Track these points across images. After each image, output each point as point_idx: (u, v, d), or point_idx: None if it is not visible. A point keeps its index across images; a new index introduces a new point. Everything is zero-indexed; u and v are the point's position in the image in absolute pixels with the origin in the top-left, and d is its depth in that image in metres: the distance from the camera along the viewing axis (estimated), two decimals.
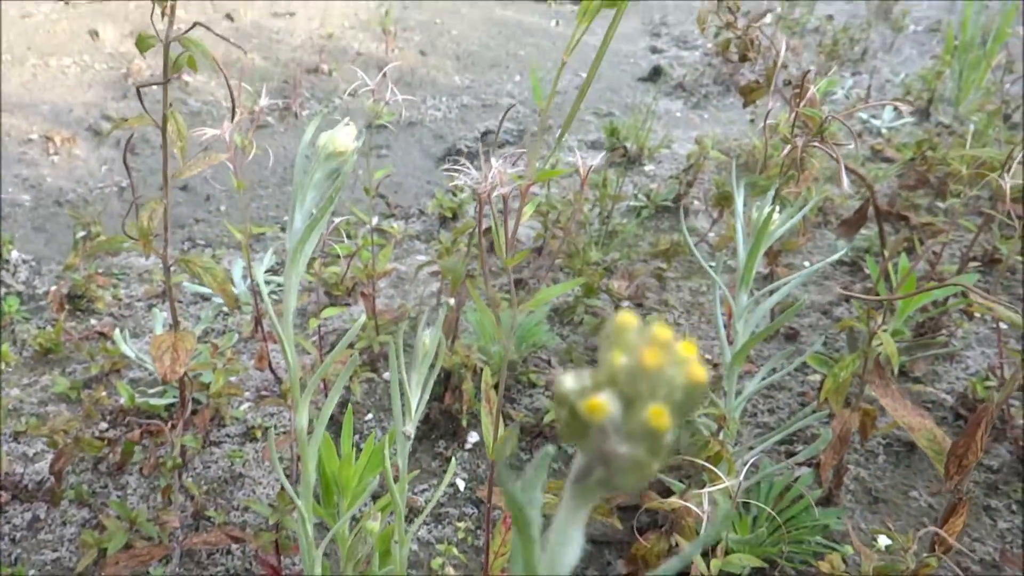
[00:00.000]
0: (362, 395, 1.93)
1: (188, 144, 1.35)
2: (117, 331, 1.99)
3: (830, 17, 4.76)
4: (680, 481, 1.41)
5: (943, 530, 1.21)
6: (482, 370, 1.32)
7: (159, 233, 1.38)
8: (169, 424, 1.54)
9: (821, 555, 1.34)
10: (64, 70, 3.77)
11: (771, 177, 1.70)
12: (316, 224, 0.84)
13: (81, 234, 2.42)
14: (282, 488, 1.49)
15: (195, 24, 1.30)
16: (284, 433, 1.81)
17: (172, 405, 1.82)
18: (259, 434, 1.81)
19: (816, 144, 1.56)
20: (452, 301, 1.88)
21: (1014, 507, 1.61)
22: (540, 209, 2.33)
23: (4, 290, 2.32)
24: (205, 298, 2.33)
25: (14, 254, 2.48)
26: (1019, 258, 1.75)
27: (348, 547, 1.11)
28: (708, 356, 1.98)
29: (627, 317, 0.34)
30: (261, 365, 1.84)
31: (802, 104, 1.58)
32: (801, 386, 1.96)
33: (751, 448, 1.48)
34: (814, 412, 1.44)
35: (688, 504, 1.20)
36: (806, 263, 2.47)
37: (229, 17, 4.45)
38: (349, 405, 1.35)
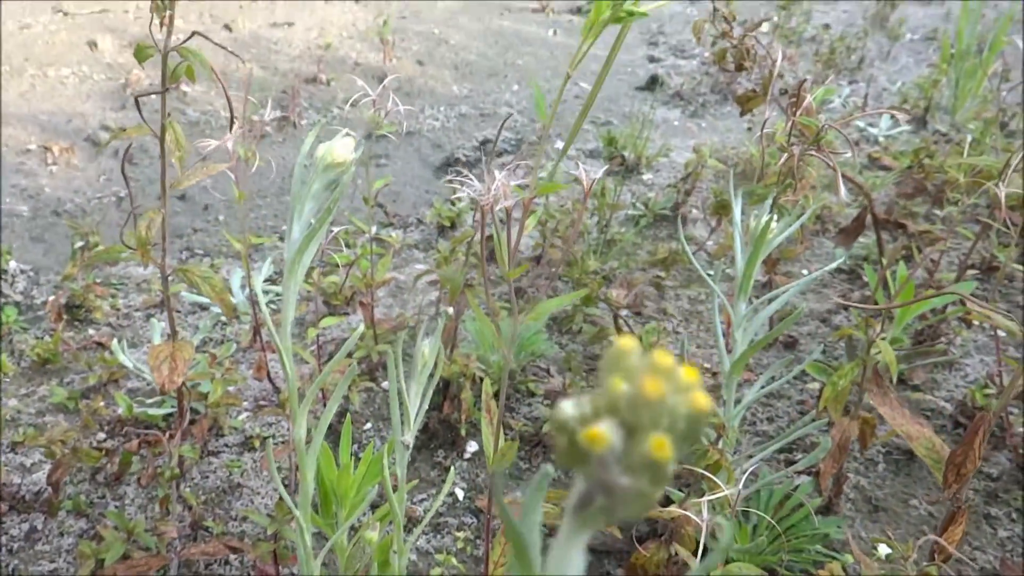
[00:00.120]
0: (361, 404, 1.93)
1: (186, 154, 1.35)
2: (115, 341, 1.99)
3: (826, 26, 4.78)
4: (679, 490, 1.41)
5: (943, 538, 1.20)
6: (481, 379, 1.32)
7: (157, 243, 1.38)
8: (167, 434, 1.54)
9: (821, 564, 1.34)
10: (62, 81, 3.77)
11: (769, 186, 1.70)
12: (314, 234, 0.83)
13: (79, 244, 2.42)
14: (280, 498, 1.49)
15: (193, 34, 1.30)
16: (282, 443, 1.81)
17: (170, 415, 1.82)
18: (257, 444, 1.81)
19: (813, 152, 1.56)
20: (451, 310, 1.88)
21: (1014, 515, 1.61)
22: (539, 219, 2.33)
23: (2, 300, 2.32)
24: (203, 308, 2.33)
25: (12, 264, 2.48)
26: (1017, 266, 1.76)
27: (347, 557, 1.10)
28: (707, 364, 1.98)
29: (627, 342, 0.33)
30: (259, 375, 1.84)
31: (799, 113, 1.59)
32: (800, 394, 1.96)
33: (750, 457, 1.48)
34: (813, 420, 1.43)
35: (687, 513, 1.19)
36: (804, 271, 2.48)
37: (227, 28, 4.46)
38: (348, 415, 1.35)
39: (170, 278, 1.45)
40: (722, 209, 2.33)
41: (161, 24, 1.26)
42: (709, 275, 1.48)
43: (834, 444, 1.44)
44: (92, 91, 3.72)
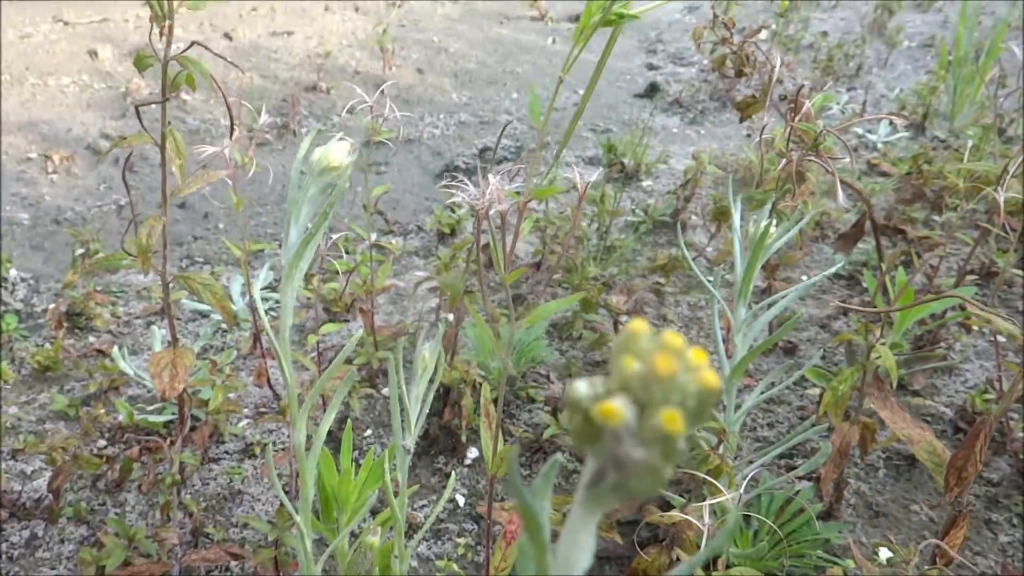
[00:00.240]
0: (361, 411, 1.93)
1: (187, 162, 1.36)
2: (116, 348, 1.99)
3: (824, 33, 4.79)
4: (680, 495, 1.41)
5: (944, 543, 1.21)
6: (481, 385, 1.32)
7: (158, 250, 1.39)
8: (168, 441, 1.54)
9: (822, 569, 1.34)
10: (63, 90, 3.78)
11: (768, 191, 1.70)
12: (311, 238, 0.84)
13: (80, 252, 2.43)
14: (281, 504, 1.49)
15: (193, 43, 1.31)
16: (283, 449, 1.81)
17: (171, 422, 1.82)
18: (258, 450, 1.81)
19: (812, 158, 1.57)
20: (451, 317, 1.88)
21: (1015, 520, 1.61)
22: (538, 225, 2.34)
23: (3, 308, 2.32)
24: (203, 315, 2.33)
25: (12, 272, 2.48)
26: (1016, 271, 1.76)
27: (348, 562, 1.10)
28: None
29: (639, 324, 0.35)
30: (260, 382, 1.84)
31: (798, 119, 1.59)
32: (800, 400, 1.96)
33: (751, 462, 1.48)
34: (813, 426, 1.43)
35: (689, 518, 1.19)
36: (804, 277, 2.48)
37: (227, 37, 4.47)
38: (348, 421, 1.35)
39: (171, 285, 1.45)
40: (721, 215, 2.34)
41: (161, 34, 1.26)
42: (709, 281, 1.49)
43: (834, 449, 1.44)
44: (92, 100, 3.73)
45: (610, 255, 2.52)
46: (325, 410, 1.37)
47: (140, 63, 1.28)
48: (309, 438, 0.97)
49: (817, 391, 1.95)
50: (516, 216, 1.20)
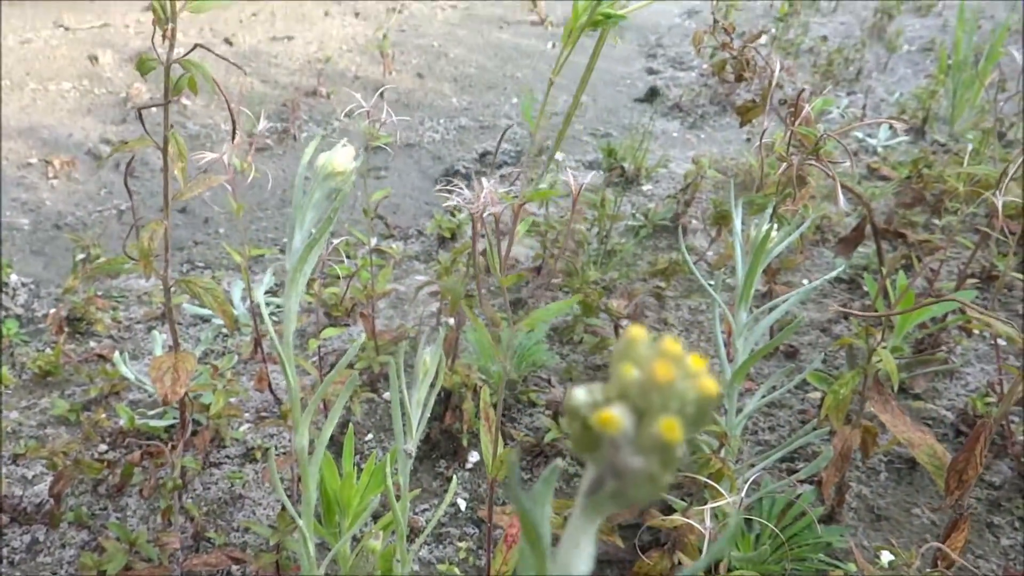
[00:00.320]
0: (362, 415, 1.93)
1: (187, 166, 1.36)
2: (116, 353, 1.99)
3: (824, 38, 4.80)
4: (682, 499, 1.41)
5: (945, 546, 1.20)
6: (482, 389, 1.32)
7: (159, 254, 1.39)
8: (169, 445, 1.54)
9: (824, 572, 1.34)
10: (63, 95, 3.79)
11: (768, 196, 1.71)
12: (315, 244, 0.84)
13: (80, 257, 2.43)
14: (283, 509, 1.49)
15: (196, 46, 1.31)
16: (284, 454, 1.81)
17: (172, 426, 1.82)
18: (259, 455, 1.81)
19: (812, 163, 1.57)
20: (451, 321, 1.88)
21: (1016, 524, 1.61)
22: (539, 229, 2.34)
23: (3, 313, 2.32)
24: (204, 320, 2.33)
25: (13, 277, 2.48)
26: (1016, 274, 1.76)
27: (349, 567, 1.10)
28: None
29: (637, 331, 0.34)
30: (261, 386, 1.84)
31: (798, 123, 1.60)
32: (801, 403, 1.96)
33: (752, 466, 1.48)
34: (815, 429, 1.43)
35: (690, 521, 1.19)
36: (804, 281, 2.48)
37: (228, 42, 4.48)
38: (350, 425, 1.35)
39: (172, 290, 1.45)
40: (722, 219, 2.34)
41: (163, 37, 1.26)
42: (709, 285, 1.49)
43: (836, 453, 1.44)
44: (93, 105, 3.74)
45: (610, 259, 2.53)
46: (326, 414, 1.37)
47: (143, 66, 1.28)
48: (311, 442, 0.97)
49: (818, 395, 1.95)
50: (512, 219, 1.21)
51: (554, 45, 5.10)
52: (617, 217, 2.54)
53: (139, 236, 1.35)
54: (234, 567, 1.51)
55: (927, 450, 1.28)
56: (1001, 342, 1.76)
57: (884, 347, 1.37)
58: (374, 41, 4.54)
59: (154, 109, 1.37)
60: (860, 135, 3.49)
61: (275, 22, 4.84)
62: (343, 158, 0.84)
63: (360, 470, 1.14)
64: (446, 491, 1.71)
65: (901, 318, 1.86)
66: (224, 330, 2.27)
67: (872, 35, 4.89)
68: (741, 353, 1.44)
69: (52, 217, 2.93)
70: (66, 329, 2.18)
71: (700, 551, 1.22)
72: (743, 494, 1.20)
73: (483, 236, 1.06)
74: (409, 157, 3.60)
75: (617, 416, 0.32)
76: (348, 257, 2.15)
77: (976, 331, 2.13)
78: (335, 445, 1.77)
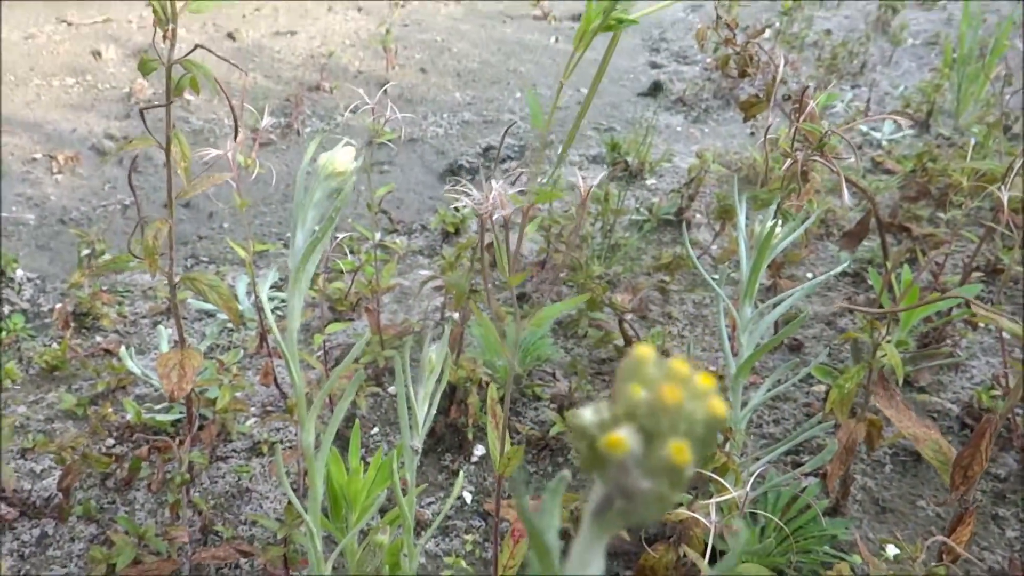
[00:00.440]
0: (368, 410, 1.94)
1: (191, 162, 1.36)
2: (123, 348, 2.00)
3: (828, 32, 4.79)
4: (687, 492, 1.41)
5: (951, 539, 1.21)
6: (487, 384, 1.32)
7: (164, 252, 1.39)
8: (176, 440, 1.55)
9: (829, 565, 1.34)
10: (67, 90, 3.79)
11: (773, 190, 1.71)
12: (317, 242, 0.84)
13: (85, 252, 2.43)
14: (289, 502, 1.50)
15: (197, 47, 1.31)
16: (290, 448, 1.81)
17: (178, 421, 1.83)
18: (265, 449, 1.82)
19: (817, 157, 1.57)
20: (456, 316, 1.88)
21: (1022, 516, 1.61)
22: (543, 224, 2.34)
23: (9, 308, 2.33)
24: (210, 315, 2.34)
25: (19, 272, 2.49)
26: (1021, 268, 1.76)
27: (357, 560, 1.11)
28: (713, 368, 1.98)
29: (645, 350, 0.34)
30: (266, 381, 1.85)
31: (802, 118, 1.60)
32: (806, 397, 1.97)
33: (757, 459, 1.49)
34: (820, 423, 1.44)
35: (696, 515, 1.20)
36: (809, 275, 2.48)
37: (231, 37, 4.48)
38: (356, 420, 1.36)
39: (177, 286, 1.46)
40: (726, 214, 2.34)
41: (164, 36, 1.26)
42: (714, 279, 1.49)
43: (841, 446, 1.44)
44: (96, 100, 3.74)
45: (615, 253, 2.53)
46: (332, 409, 1.38)
47: (145, 67, 1.28)
48: (317, 437, 0.98)
49: (823, 388, 1.95)
50: (520, 217, 1.21)
51: (557, 39, 5.09)
52: (621, 211, 2.54)
53: (143, 234, 1.35)
54: (242, 560, 1.52)
55: (932, 445, 1.29)
56: (1006, 335, 1.76)
57: (889, 341, 1.37)
58: (377, 36, 4.53)
59: (158, 107, 1.37)
60: (865, 129, 3.48)
61: (278, 17, 4.83)
62: (344, 158, 0.84)
63: (366, 464, 1.14)
64: (451, 484, 1.71)
65: (906, 312, 1.86)
66: (229, 325, 2.28)
67: (876, 29, 4.88)
68: (746, 347, 1.44)
69: (57, 212, 2.94)
70: (72, 324, 2.19)
71: (705, 544, 1.23)
72: (748, 487, 1.21)
73: (489, 231, 1.06)
74: (413, 152, 3.60)
75: (625, 439, 0.32)
76: (352, 252, 2.16)
77: (981, 324, 2.13)
78: (341, 439, 1.78)
